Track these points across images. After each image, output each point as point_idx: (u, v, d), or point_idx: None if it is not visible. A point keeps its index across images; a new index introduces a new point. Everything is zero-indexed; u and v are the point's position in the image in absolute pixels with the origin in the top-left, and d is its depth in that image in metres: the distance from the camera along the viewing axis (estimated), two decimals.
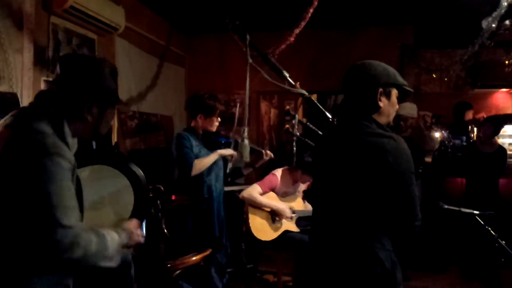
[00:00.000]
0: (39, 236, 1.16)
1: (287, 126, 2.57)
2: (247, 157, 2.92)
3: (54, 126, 1.28)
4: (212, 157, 3.00)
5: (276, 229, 3.34)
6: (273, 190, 3.41)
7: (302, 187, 3.59)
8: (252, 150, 3.22)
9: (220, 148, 3.14)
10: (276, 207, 3.31)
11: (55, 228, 1.15)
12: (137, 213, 1.71)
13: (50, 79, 3.06)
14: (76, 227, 1.18)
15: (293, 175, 3.47)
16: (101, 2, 3.54)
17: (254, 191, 3.30)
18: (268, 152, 3.31)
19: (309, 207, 3.51)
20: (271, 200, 3.34)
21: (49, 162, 1.18)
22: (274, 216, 3.35)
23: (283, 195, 3.45)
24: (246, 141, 2.91)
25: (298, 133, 2.47)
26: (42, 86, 3.12)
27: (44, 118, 1.27)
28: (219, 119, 3.13)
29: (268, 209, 3.32)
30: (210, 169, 3.06)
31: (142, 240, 1.51)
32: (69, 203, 1.20)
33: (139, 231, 1.50)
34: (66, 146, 1.27)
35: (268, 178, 3.44)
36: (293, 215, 3.41)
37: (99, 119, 1.40)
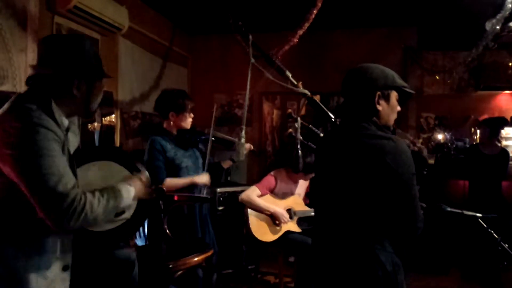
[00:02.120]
0: (40, 207, 1.24)
1: (290, 130, 2.55)
2: (243, 155, 2.87)
3: (42, 105, 1.33)
4: (184, 181, 2.87)
5: (277, 230, 3.33)
6: (271, 191, 3.40)
7: (302, 187, 3.58)
8: (230, 144, 3.14)
9: (197, 146, 3.04)
10: (274, 211, 3.29)
11: (51, 197, 1.22)
12: (139, 214, 1.71)
13: None
14: (72, 193, 1.24)
15: (292, 175, 3.47)
16: (105, 2, 3.55)
17: (252, 193, 3.29)
18: (248, 144, 3.14)
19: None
20: (270, 203, 3.32)
21: (35, 134, 1.25)
22: (274, 218, 3.35)
23: (283, 196, 3.44)
24: (243, 140, 2.87)
25: (301, 137, 2.46)
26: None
27: (33, 101, 1.33)
28: (192, 114, 2.99)
29: (268, 213, 3.32)
30: (189, 168, 2.96)
31: (150, 191, 1.61)
32: (61, 171, 1.26)
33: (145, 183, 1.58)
34: (54, 122, 1.33)
35: (266, 179, 3.44)
36: (293, 215, 3.41)
37: (88, 95, 1.45)
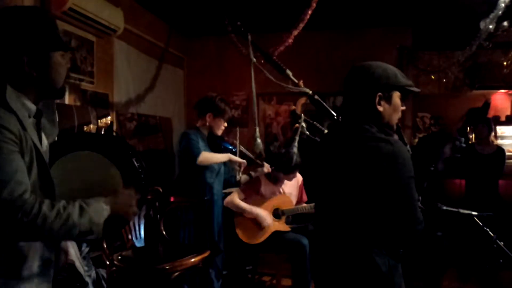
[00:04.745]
0: None
1: (296, 125, 2.57)
2: (262, 152, 2.95)
3: None
4: (221, 157, 3.00)
5: (263, 232, 3.32)
6: (258, 192, 3.39)
7: (291, 186, 3.57)
8: (251, 161, 3.24)
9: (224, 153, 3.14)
10: (256, 214, 3.25)
11: None
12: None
13: None
14: (18, 201, 1.10)
15: (276, 174, 3.46)
16: (100, 4, 3.54)
17: (235, 197, 3.26)
18: (267, 165, 3.36)
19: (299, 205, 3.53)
20: (253, 206, 3.28)
21: None
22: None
23: (271, 196, 3.43)
24: (259, 140, 2.94)
25: (307, 132, 2.48)
26: None
27: None
28: (226, 123, 3.13)
29: (251, 216, 3.30)
30: (212, 171, 3.04)
31: (136, 210, 1.36)
32: (10, 174, 1.12)
33: (133, 201, 1.35)
34: (12, 113, 1.19)
35: (250, 182, 3.43)
36: (281, 214, 3.40)
37: (45, 71, 1.28)
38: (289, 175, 3.37)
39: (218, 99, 3.06)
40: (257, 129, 2.91)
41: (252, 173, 3.42)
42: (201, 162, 2.89)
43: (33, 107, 1.29)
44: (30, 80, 1.27)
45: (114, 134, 3.42)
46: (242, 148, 3.23)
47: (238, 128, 3.40)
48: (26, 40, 1.25)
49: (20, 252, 1.22)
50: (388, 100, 1.57)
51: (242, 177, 3.36)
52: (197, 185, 3.01)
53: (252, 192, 3.35)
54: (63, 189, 1.34)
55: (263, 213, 3.28)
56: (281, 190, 3.50)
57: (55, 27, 1.32)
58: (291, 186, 3.56)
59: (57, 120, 1.44)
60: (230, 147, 3.19)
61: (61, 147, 1.40)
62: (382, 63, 1.62)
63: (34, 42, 1.26)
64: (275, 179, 3.45)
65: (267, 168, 3.35)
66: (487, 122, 4.33)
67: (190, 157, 2.88)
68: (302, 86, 2.72)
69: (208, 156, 2.93)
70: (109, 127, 3.71)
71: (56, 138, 1.44)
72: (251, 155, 3.32)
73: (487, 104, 5.29)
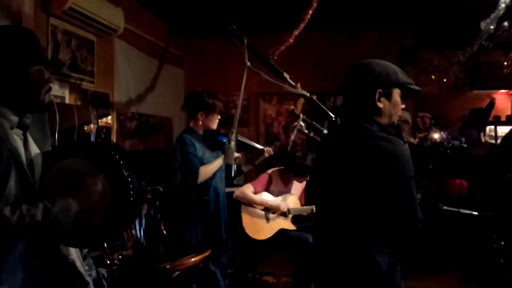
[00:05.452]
0: None
1: (295, 124, 2.57)
2: (231, 159, 2.86)
3: None
4: (217, 163, 2.93)
5: (270, 228, 3.33)
6: (267, 189, 3.41)
7: (297, 189, 3.59)
8: (251, 148, 3.19)
9: (221, 148, 3.11)
10: (269, 203, 3.31)
11: None
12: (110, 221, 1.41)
13: None
14: None
15: (287, 174, 3.47)
16: (100, 4, 3.55)
17: (246, 189, 3.30)
18: (268, 148, 3.26)
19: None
20: (264, 198, 3.34)
21: None
22: (268, 214, 3.35)
23: (278, 194, 3.45)
24: (233, 144, 2.86)
25: (306, 131, 2.47)
26: None
27: None
28: (219, 116, 3.06)
29: (262, 207, 3.32)
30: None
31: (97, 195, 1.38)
32: None
33: (96, 192, 1.37)
34: None
35: (261, 177, 3.45)
36: (287, 213, 3.41)
37: (24, 85, 1.35)
38: (301, 178, 3.40)
39: (205, 95, 2.97)
40: (234, 132, 2.78)
41: (254, 160, 3.36)
42: (202, 181, 2.84)
43: (15, 118, 1.35)
44: (10, 94, 1.34)
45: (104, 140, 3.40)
46: (240, 137, 3.16)
47: (237, 113, 3.24)
48: (4, 56, 1.33)
49: (1, 261, 1.25)
50: (388, 96, 1.58)
51: (244, 167, 3.33)
52: (202, 187, 2.98)
53: (262, 189, 3.37)
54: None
55: (277, 202, 3.33)
56: (289, 191, 3.53)
57: (36, 44, 1.40)
58: (299, 187, 3.59)
59: (49, 130, 1.51)
60: (226, 140, 3.12)
61: (54, 155, 1.43)
62: (382, 61, 1.64)
63: (12, 58, 1.33)
64: (286, 179, 3.47)
65: (268, 152, 3.25)
66: (474, 124, 4.33)
67: (190, 176, 2.81)
68: (300, 88, 2.71)
69: (206, 172, 2.85)
70: (106, 135, 3.69)
71: (50, 148, 1.48)
72: (250, 142, 3.26)
73: (491, 104, 5.28)
